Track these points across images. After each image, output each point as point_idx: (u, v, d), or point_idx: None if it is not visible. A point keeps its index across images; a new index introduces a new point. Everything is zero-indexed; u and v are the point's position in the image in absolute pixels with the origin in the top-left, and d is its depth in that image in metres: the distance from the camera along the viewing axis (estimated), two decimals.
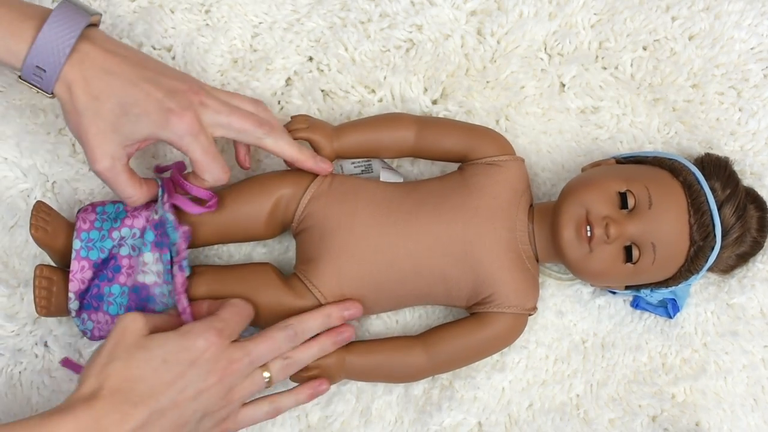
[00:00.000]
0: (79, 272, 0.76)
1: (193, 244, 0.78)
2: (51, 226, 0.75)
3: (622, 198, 0.74)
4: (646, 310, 0.83)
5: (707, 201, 0.74)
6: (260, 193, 0.78)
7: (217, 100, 0.73)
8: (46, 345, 0.82)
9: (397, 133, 0.79)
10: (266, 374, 0.72)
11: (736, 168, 0.82)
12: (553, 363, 0.84)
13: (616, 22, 0.86)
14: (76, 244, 0.76)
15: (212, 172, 0.73)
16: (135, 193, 0.73)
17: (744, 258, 0.80)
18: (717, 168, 0.77)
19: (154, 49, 0.84)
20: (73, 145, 0.84)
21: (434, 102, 0.86)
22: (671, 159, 0.78)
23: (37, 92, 0.70)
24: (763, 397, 0.83)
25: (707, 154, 0.80)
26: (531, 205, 0.79)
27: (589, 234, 0.73)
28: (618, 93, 0.85)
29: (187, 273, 0.75)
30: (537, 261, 0.78)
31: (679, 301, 0.81)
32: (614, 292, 0.82)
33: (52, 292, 0.75)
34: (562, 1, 0.86)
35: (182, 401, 0.67)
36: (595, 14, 0.86)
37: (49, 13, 0.69)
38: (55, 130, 0.83)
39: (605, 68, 0.86)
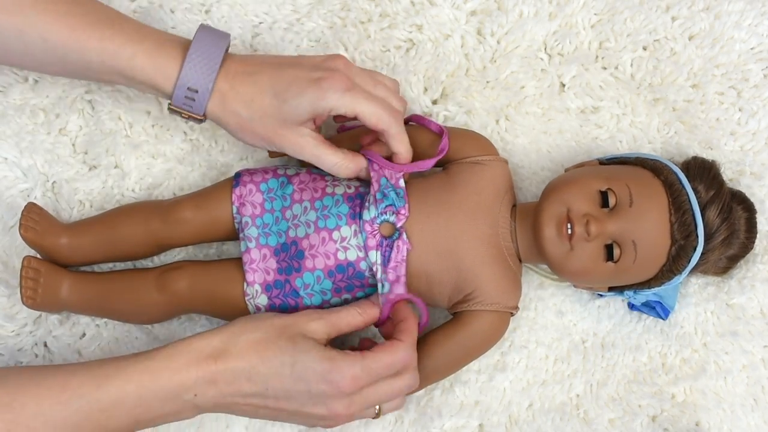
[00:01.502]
0: (262, 261, 0.75)
1: (175, 244, 0.79)
2: (40, 226, 0.76)
3: (603, 197, 0.74)
4: (642, 311, 0.82)
5: (689, 200, 0.74)
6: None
7: (359, 68, 0.74)
8: (45, 345, 0.82)
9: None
10: (376, 409, 0.72)
11: (735, 168, 0.82)
12: (553, 363, 0.84)
13: (616, 22, 0.86)
14: (253, 231, 0.76)
15: (388, 117, 0.73)
16: (339, 159, 0.73)
17: (734, 260, 0.79)
18: (701, 170, 0.77)
19: None
20: (73, 145, 0.84)
21: (434, 102, 0.86)
22: (653, 159, 0.78)
23: (188, 119, 0.73)
24: (763, 397, 0.83)
25: (694, 158, 0.79)
26: (514, 206, 0.79)
27: (569, 232, 0.73)
28: (618, 93, 0.85)
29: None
30: (520, 261, 0.78)
31: (665, 302, 0.80)
32: (601, 295, 0.82)
33: (39, 283, 0.76)
34: (562, 1, 0.86)
35: (285, 405, 0.69)
36: (595, 14, 0.86)
37: (188, 41, 0.72)
38: (55, 130, 0.83)
39: (605, 68, 0.86)
